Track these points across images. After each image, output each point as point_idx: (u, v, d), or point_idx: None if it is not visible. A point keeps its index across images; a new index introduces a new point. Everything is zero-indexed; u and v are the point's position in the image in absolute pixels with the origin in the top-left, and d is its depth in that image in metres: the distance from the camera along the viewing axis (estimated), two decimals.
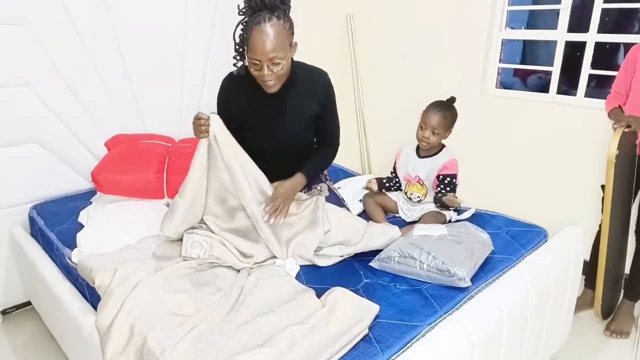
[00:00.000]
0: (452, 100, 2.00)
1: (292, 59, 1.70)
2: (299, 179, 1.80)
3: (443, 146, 2.05)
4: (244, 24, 1.57)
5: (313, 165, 1.88)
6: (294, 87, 1.75)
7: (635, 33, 2.42)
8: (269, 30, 1.52)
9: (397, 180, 2.18)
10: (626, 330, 2.22)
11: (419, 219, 2.02)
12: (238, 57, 1.65)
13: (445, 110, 1.96)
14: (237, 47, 1.63)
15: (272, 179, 1.78)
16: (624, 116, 2.01)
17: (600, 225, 2.31)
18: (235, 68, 1.72)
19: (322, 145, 1.95)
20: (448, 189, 1.99)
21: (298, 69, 1.76)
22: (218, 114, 1.73)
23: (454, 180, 2.00)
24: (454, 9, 2.92)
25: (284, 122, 1.79)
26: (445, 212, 2.02)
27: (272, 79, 1.61)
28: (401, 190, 2.20)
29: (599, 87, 2.76)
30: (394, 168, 2.19)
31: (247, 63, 1.63)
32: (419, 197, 2.06)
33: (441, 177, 2.00)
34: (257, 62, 1.56)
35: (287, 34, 1.58)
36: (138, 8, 2.39)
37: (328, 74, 1.84)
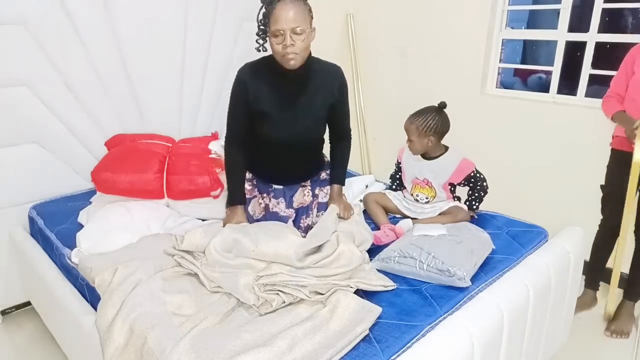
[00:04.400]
0: (441, 105, 1.97)
1: (310, 50, 1.79)
2: (338, 189, 2.01)
3: (447, 148, 2.05)
4: (267, 6, 1.69)
5: (342, 168, 2.07)
6: (310, 79, 1.83)
7: (635, 33, 2.41)
8: (291, 4, 1.65)
9: (399, 177, 2.18)
10: (626, 330, 2.22)
11: (441, 213, 2.01)
12: (260, 34, 1.76)
13: (417, 117, 1.96)
14: (259, 26, 1.74)
15: (282, 171, 1.94)
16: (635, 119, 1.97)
17: (600, 226, 2.31)
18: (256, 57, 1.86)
19: (338, 139, 2.05)
20: (478, 186, 2.01)
21: (314, 63, 1.84)
22: (231, 106, 1.86)
23: (477, 175, 2.01)
24: (454, 8, 2.92)
25: (299, 113, 1.84)
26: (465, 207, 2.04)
27: (293, 50, 1.66)
28: (401, 190, 2.19)
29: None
30: (398, 166, 2.18)
31: (268, 42, 1.72)
32: (426, 198, 2.05)
33: (463, 182, 2.02)
34: (281, 33, 1.64)
35: (308, 13, 1.71)
36: (138, 8, 2.39)
37: (341, 68, 1.93)
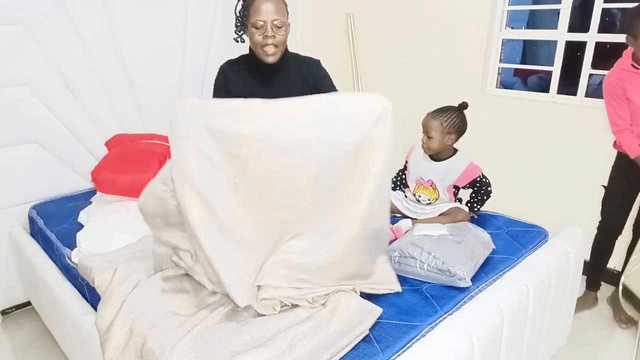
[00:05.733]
0: (462, 106, 1.96)
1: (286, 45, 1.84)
2: None
3: (456, 150, 2.04)
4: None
5: None
6: (285, 69, 1.88)
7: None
8: None
9: (403, 177, 2.17)
10: (635, 318, 2.24)
11: (440, 214, 1.99)
12: (239, 26, 1.80)
13: (440, 113, 1.94)
14: (238, 18, 1.78)
15: None
16: None
17: (598, 228, 2.30)
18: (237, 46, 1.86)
19: None
20: (482, 190, 2.00)
21: (290, 57, 1.91)
22: (214, 96, 1.92)
23: (483, 179, 1.99)
24: (454, 9, 2.92)
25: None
26: (465, 208, 2.02)
27: (274, 42, 1.72)
28: (402, 189, 2.19)
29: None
30: (405, 166, 2.17)
31: (247, 35, 1.77)
32: (428, 200, 2.05)
33: (468, 186, 2.00)
34: (262, 24, 1.70)
35: (285, 8, 1.77)
36: (138, 8, 2.39)
37: (319, 61, 1.95)
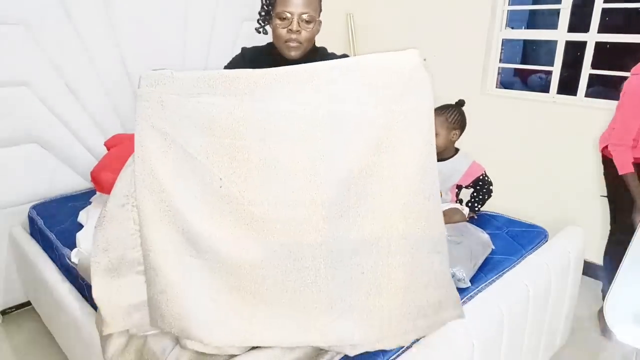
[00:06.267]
0: (459, 103, 1.97)
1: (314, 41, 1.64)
2: None
3: (457, 150, 2.04)
4: None
5: None
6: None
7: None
8: None
9: None
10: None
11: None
12: (263, 15, 1.59)
13: (443, 110, 1.94)
14: (263, 6, 1.58)
15: None
16: None
17: (610, 236, 2.23)
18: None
19: None
20: (484, 189, 1.99)
21: (317, 53, 1.69)
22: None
23: (486, 178, 1.99)
24: (454, 9, 2.92)
25: None
26: (464, 209, 2.01)
27: (297, 38, 1.52)
28: None
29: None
30: None
31: (271, 26, 1.58)
32: None
33: (471, 185, 2.00)
34: (288, 16, 1.49)
35: (318, 2, 1.56)
36: (138, 8, 2.39)
37: (346, 55, 1.74)
